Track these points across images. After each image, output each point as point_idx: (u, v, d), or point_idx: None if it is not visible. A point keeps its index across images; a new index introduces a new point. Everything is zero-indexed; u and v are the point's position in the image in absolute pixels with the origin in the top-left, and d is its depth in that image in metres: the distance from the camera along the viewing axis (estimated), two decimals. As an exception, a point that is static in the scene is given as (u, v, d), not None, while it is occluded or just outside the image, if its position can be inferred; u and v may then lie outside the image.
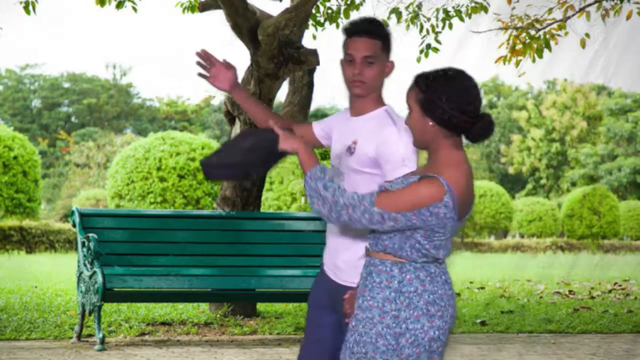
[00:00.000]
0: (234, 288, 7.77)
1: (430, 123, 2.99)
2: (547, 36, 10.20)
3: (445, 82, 2.96)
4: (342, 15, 9.97)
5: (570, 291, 12.60)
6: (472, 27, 10.41)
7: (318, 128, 3.74)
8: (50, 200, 45.16)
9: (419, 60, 10.06)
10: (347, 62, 3.52)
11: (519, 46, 10.30)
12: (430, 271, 3.01)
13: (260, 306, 9.34)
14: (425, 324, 2.96)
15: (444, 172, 2.96)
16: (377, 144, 3.44)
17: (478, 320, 9.24)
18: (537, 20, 10.27)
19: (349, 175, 3.49)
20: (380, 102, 3.58)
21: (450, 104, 2.95)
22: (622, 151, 54.17)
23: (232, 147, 3.28)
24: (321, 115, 62.74)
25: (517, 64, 10.35)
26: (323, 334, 3.59)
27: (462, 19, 10.01)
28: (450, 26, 10.06)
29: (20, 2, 8.79)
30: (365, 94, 3.53)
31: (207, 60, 3.74)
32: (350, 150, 3.50)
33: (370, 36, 3.48)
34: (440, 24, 10.05)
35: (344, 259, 3.52)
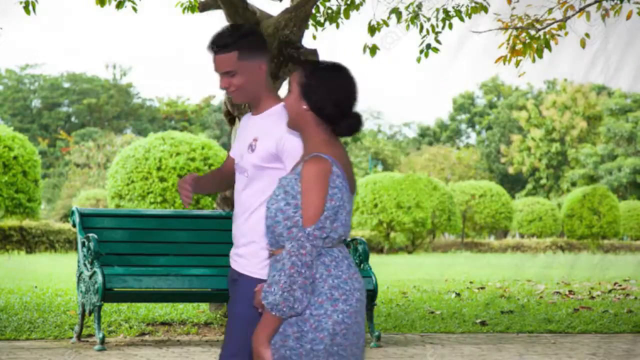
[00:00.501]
0: (234, 288, 7.76)
1: (305, 107, 3.12)
2: (547, 36, 10.20)
3: (327, 73, 3.11)
4: (342, 15, 9.97)
5: (570, 291, 12.60)
6: (472, 27, 10.40)
7: (232, 152, 3.80)
8: (50, 200, 45.16)
9: (419, 60, 10.06)
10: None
11: (519, 46, 10.30)
12: (334, 255, 3.07)
13: (260, 306, 9.33)
14: (329, 309, 3.02)
15: (319, 150, 3.08)
16: (277, 140, 3.50)
17: (478, 320, 9.24)
18: (537, 20, 10.26)
19: (252, 171, 3.55)
20: (277, 99, 3.65)
21: (326, 94, 3.08)
22: (622, 151, 54.17)
23: None
24: (321, 115, 62.78)
25: (517, 64, 10.34)
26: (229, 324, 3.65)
27: (462, 19, 10.00)
28: (450, 26, 10.05)
29: (20, 2, 8.79)
30: (245, 100, 3.62)
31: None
32: (251, 148, 3.56)
33: (223, 51, 3.52)
34: (440, 24, 10.05)
35: (245, 247, 3.56)
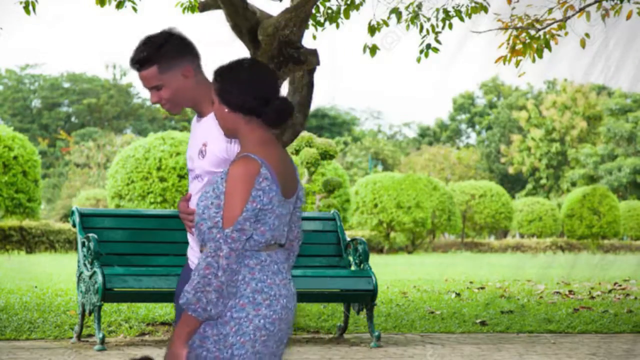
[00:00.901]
0: (234, 288, 7.75)
1: (226, 110, 3.08)
2: (547, 36, 10.19)
3: (235, 70, 3.07)
4: (342, 15, 9.96)
5: (570, 291, 12.60)
6: (472, 27, 10.40)
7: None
8: (50, 200, 45.17)
9: (418, 60, 10.05)
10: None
11: (519, 46, 10.30)
12: (261, 259, 3.00)
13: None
14: (251, 312, 2.96)
15: (251, 150, 3.03)
16: (225, 144, 3.45)
17: (478, 320, 9.24)
18: (537, 20, 10.26)
19: (204, 177, 3.49)
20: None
21: (239, 89, 3.05)
22: (622, 151, 54.18)
23: None
24: (321, 115, 62.76)
25: (517, 64, 10.34)
26: None
27: (462, 19, 10.00)
28: (450, 26, 10.05)
29: (20, 2, 8.79)
30: (179, 110, 3.57)
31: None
32: (202, 153, 3.50)
33: (142, 68, 3.44)
34: (440, 24, 10.05)
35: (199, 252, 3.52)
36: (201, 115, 3.57)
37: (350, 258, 8.41)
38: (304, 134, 21.67)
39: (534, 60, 10.25)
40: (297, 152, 22.12)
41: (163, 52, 3.43)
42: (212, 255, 2.91)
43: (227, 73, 3.07)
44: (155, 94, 3.47)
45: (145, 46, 3.43)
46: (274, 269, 3.02)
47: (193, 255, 3.63)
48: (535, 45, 10.18)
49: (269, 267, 3.01)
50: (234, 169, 2.97)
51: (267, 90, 3.06)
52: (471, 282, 14.24)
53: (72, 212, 7.93)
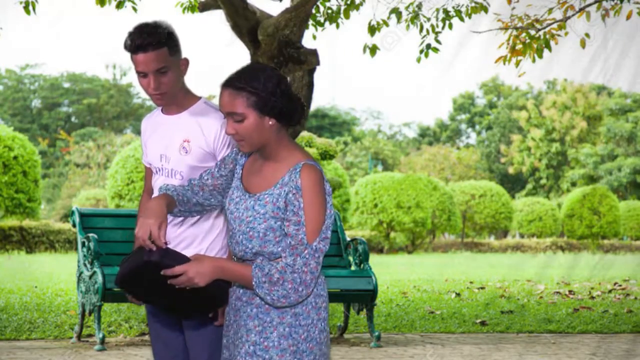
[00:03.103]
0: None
1: (270, 122, 2.91)
2: (547, 36, 10.19)
3: (266, 76, 2.90)
4: (342, 15, 9.96)
5: (570, 291, 12.60)
6: (472, 27, 10.40)
7: (146, 160, 3.69)
8: (50, 200, 45.16)
9: (418, 60, 10.05)
10: (141, 76, 3.44)
11: (519, 46, 10.30)
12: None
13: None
14: (315, 317, 2.93)
15: (299, 155, 2.93)
16: (209, 138, 3.45)
17: (478, 320, 9.24)
18: (537, 20, 10.26)
19: (187, 172, 3.48)
20: (193, 96, 3.56)
21: (280, 94, 2.90)
22: (622, 151, 54.17)
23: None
24: (321, 115, 62.74)
25: (517, 64, 10.34)
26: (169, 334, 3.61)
27: (462, 19, 10.00)
28: (450, 26, 10.05)
29: (20, 2, 8.79)
30: (169, 103, 3.52)
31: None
32: (184, 149, 3.49)
33: (154, 48, 3.38)
34: (440, 24, 10.04)
35: (186, 252, 3.46)
36: (174, 110, 3.54)
37: (350, 258, 8.41)
38: (304, 134, 21.67)
39: (534, 60, 10.25)
40: (297, 152, 22.09)
41: (174, 36, 3.45)
42: (298, 271, 2.83)
43: (261, 82, 2.89)
44: (156, 79, 3.42)
45: (155, 27, 3.40)
46: (320, 270, 2.99)
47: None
48: (535, 45, 10.18)
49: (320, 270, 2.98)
50: (307, 181, 2.85)
51: (290, 91, 2.96)
52: (471, 282, 14.24)
53: (72, 212, 7.93)
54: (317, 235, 2.84)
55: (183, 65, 3.49)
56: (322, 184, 2.88)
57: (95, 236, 7.49)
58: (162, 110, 3.60)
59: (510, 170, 59.21)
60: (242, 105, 2.89)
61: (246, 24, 8.45)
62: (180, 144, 3.50)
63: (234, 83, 2.90)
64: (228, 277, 2.90)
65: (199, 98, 3.57)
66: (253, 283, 2.84)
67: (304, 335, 2.91)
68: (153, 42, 3.37)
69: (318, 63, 8.55)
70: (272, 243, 2.89)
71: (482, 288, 12.92)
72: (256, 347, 2.91)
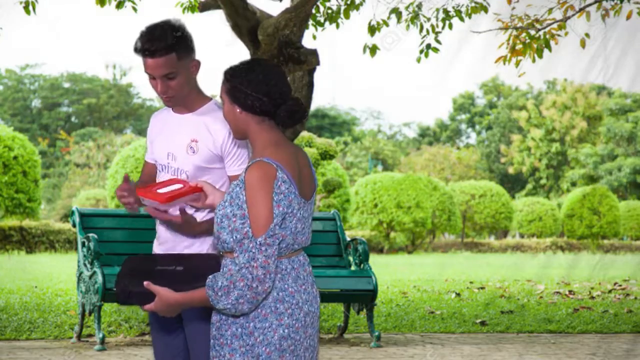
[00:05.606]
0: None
1: (238, 110, 3.04)
2: (547, 36, 10.19)
3: (247, 70, 3.02)
4: (342, 15, 9.96)
5: (570, 291, 12.60)
6: (472, 27, 10.40)
7: (151, 157, 3.67)
8: (50, 200, 45.17)
9: (419, 60, 10.05)
10: (151, 78, 3.43)
11: (519, 46, 10.30)
12: (281, 268, 2.97)
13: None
14: (274, 322, 2.93)
15: (264, 153, 2.98)
16: (217, 139, 3.44)
17: (478, 320, 9.24)
18: (537, 20, 10.26)
19: (193, 172, 3.46)
20: (204, 96, 3.55)
21: (251, 89, 2.99)
22: (622, 151, 54.17)
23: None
24: (321, 115, 62.77)
25: (517, 64, 10.34)
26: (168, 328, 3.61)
27: (462, 19, 10.00)
28: (450, 26, 10.05)
29: (20, 2, 8.79)
30: (178, 104, 3.50)
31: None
32: (192, 149, 3.47)
33: (162, 54, 3.35)
34: (440, 24, 10.04)
35: (188, 250, 3.46)
36: (185, 109, 3.52)
37: (350, 258, 8.41)
38: (304, 134, 21.67)
39: (534, 60, 10.25)
40: (297, 152, 22.10)
41: (183, 38, 3.40)
42: (246, 266, 2.86)
43: (240, 73, 3.02)
44: (164, 84, 3.40)
45: (165, 31, 3.36)
46: (294, 276, 2.98)
47: (158, 247, 3.59)
48: (535, 45, 10.18)
49: (289, 274, 2.98)
50: (250, 176, 2.91)
51: (281, 90, 3.02)
52: (471, 282, 14.24)
53: (72, 212, 7.93)
54: (264, 232, 2.87)
55: (194, 67, 3.46)
56: (268, 181, 2.90)
57: (95, 236, 7.49)
58: (172, 109, 3.58)
59: (510, 170, 59.21)
60: (223, 91, 3.07)
61: (246, 24, 8.45)
62: (187, 143, 3.48)
63: (225, 70, 3.08)
64: (190, 306, 2.98)
65: (210, 99, 3.54)
66: (211, 304, 2.90)
67: (259, 339, 2.93)
68: (161, 48, 3.34)
69: (318, 63, 8.55)
70: (225, 231, 2.95)
71: (482, 288, 12.92)
72: (215, 341, 3.01)
